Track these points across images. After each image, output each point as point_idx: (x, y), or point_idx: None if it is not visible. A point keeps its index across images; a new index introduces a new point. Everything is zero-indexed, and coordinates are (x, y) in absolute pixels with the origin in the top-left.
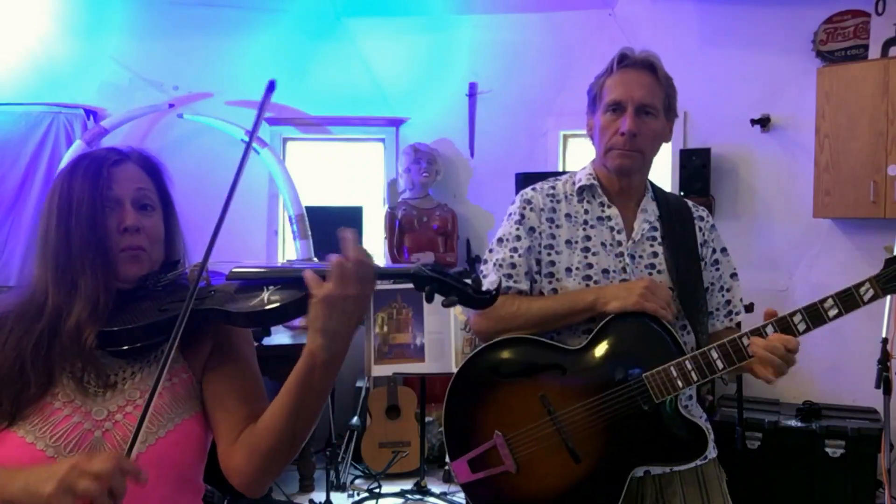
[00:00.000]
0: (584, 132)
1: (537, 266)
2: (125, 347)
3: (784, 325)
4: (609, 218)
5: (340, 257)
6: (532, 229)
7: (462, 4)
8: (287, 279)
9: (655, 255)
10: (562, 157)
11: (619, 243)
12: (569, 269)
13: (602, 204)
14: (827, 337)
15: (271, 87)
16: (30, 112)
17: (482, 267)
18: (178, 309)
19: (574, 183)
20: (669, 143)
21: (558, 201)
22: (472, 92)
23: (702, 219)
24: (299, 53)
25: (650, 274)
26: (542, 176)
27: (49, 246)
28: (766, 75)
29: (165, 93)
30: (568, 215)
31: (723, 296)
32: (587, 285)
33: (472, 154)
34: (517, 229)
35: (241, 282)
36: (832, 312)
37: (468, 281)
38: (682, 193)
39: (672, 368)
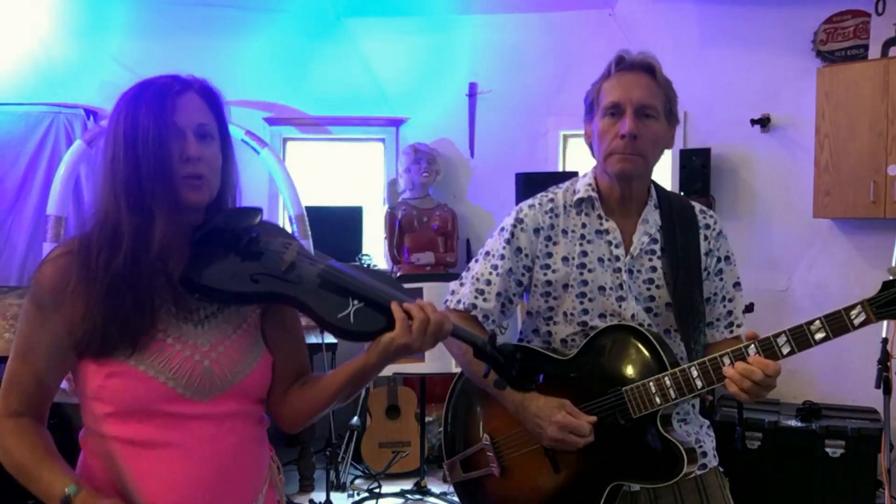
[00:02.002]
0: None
1: (518, 288)
2: (208, 301)
3: (767, 347)
4: (607, 232)
5: (425, 312)
6: (519, 250)
7: (462, 4)
8: (373, 301)
9: (654, 269)
10: (562, 157)
11: (617, 258)
12: (566, 286)
13: (600, 217)
14: None
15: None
16: (30, 112)
17: (463, 274)
18: (269, 285)
19: (574, 192)
20: None
21: (556, 215)
22: (472, 92)
23: (708, 227)
24: (299, 53)
25: (648, 289)
26: (542, 176)
27: (118, 175)
28: (766, 75)
29: None
30: (565, 231)
31: (724, 306)
32: (581, 302)
33: (472, 154)
34: (504, 248)
35: (327, 278)
36: (819, 336)
37: (517, 362)
38: (682, 193)
39: (651, 384)
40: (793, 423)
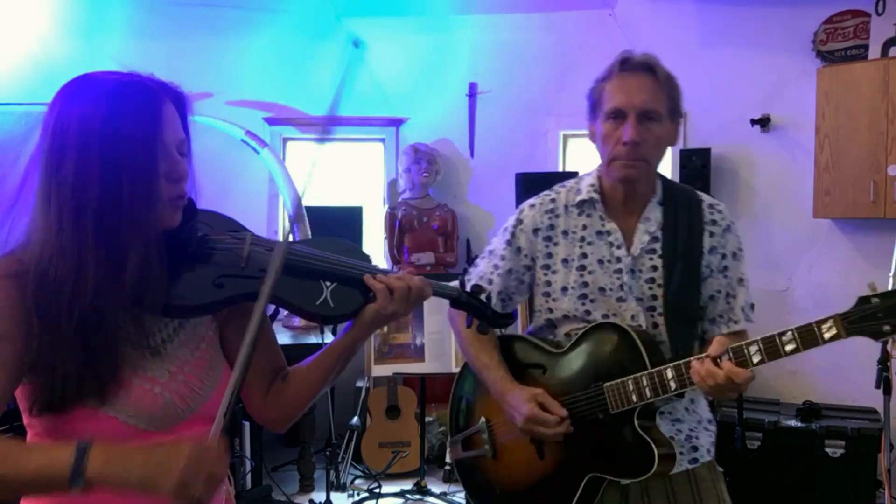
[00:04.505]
0: (585, 132)
1: (519, 286)
2: (177, 318)
3: (739, 355)
4: (608, 233)
5: (404, 281)
6: (518, 250)
7: (462, 4)
8: (345, 278)
9: (655, 268)
10: (562, 157)
11: (618, 259)
12: (564, 289)
13: (602, 218)
14: None
15: (356, 44)
16: (30, 112)
17: (470, 269)
18: (234, 287)
19: (577, 192)
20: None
21: (557, 216)
22: (472, 92)
23: (714, 223)
24: (299, 53)
25: (650, 289)
26: (542, 176)
27: (89, 200)
28: (766, 75)
29: None
30: (565, 232)
31: (728, 303)
32: (583, 304)
33: (472, 154)
34: (504, 249)
35: (291, 264)
36: (789, 347)
37: (489, 303)
38: None
39: (629, 383)
40: (793, 423)
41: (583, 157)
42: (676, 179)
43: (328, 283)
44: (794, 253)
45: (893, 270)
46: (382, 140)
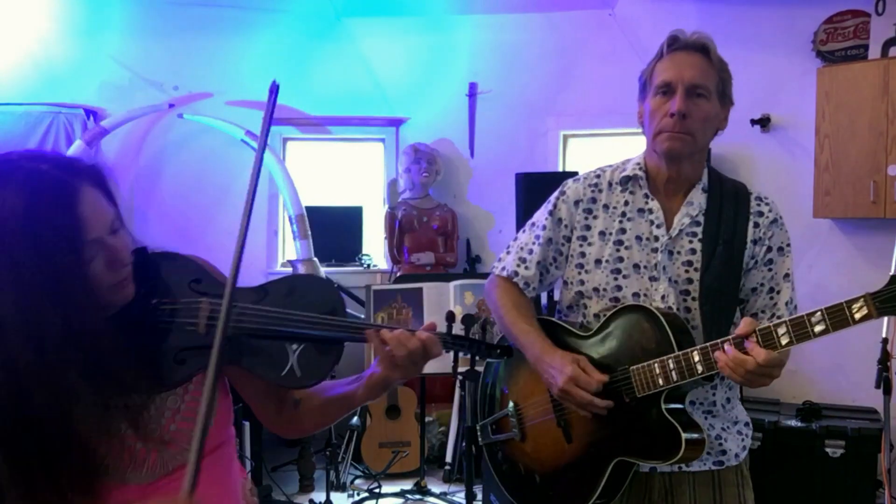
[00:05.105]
0: (585, 132)
1: (557, 258)
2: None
3: (767, 337)
4: (650, 211)
5: (404, 346)
6: (559, 220)
7: (462, 4)
8: (313, 339)
9: (693, 251)
10: (562, 157)
11: (657, 238)
12: (598, 261)
13: (646, 196)
14: (827, 337)
15: (274, 89)
16: (30, 112)
17: (510, 242)
18: (196, 360)
19: (622, 170)
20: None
21: (600, 191)
22: (472, 92)
23: (761, 214)
24: (299, 53)
25: (686, 271)
26: (542, 176)
27: (41, 322)
28: (766, 75)
29: (165, 93)
30: (606, 206)
31: (771, 298)
32: (615, 278)
33: (472, 154)
34: (546, 219)
35: (255, 327)
36: (819, 328)
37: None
38: None
39: (656, 365)
40: (793, 423)
41: (583, 157)
42: None
43: (294, 346)
44: (794, 253)
45: (893, 270)
46: (382, 140)
